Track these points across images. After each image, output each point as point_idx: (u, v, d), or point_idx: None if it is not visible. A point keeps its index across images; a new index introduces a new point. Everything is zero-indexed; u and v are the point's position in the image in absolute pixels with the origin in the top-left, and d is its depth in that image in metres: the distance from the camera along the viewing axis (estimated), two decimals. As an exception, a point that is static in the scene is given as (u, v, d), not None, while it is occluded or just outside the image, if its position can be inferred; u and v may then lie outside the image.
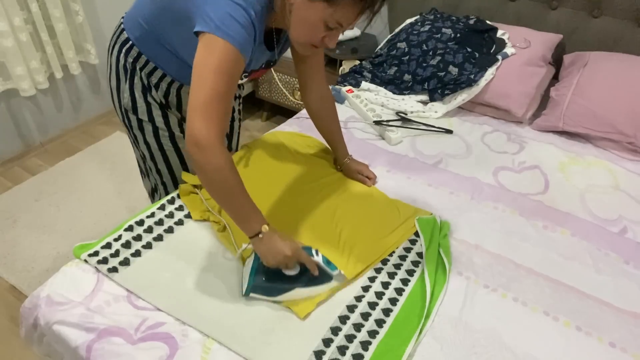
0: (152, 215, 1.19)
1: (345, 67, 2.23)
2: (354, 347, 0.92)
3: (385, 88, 1.88)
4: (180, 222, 1.19)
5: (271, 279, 1.00)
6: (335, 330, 0.95)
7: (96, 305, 0.97)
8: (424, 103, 1.82)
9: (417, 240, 1.19)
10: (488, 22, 1.92)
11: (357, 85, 1.90)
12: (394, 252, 1.15)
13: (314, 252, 1.01)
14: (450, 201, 1.34)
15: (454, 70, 1.76)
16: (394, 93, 1.87)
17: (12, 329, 1.61)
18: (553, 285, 1.09)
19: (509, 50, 1.80)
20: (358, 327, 0.96)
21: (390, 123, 1.64)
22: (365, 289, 1.05)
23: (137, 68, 1.17)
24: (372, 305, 1.01)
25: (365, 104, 1.74)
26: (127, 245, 1.10)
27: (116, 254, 1.08)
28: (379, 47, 2.08)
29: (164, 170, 1.31)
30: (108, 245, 1.10)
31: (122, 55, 1.17)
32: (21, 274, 1.79)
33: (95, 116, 2.75)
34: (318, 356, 0.90)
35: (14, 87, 2.23)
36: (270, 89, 2.60)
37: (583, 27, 1.87)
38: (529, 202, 1.35)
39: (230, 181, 0.92)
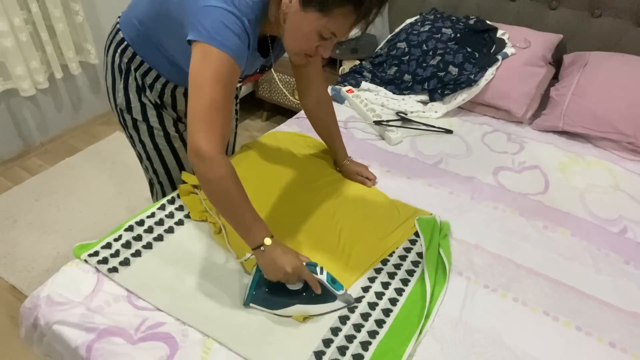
0: (152, 215, 1.19)
1: (345, 67, 2.24)
2: (354, 348, 0.92)
3: (385, 88, 1.88)
4: (180, 222, 1.19)
5: (273, 291, 0.97)
6: (335, 331, 0.95)
7: (96, 305, 0.97)
8: (424, 103, 1.82)
9: (417, 241, 1.19)
10: (488, 22, 1.92)
11: (357, 85, 1.90)
12: (394, 252, 1.15)
13: (318, 269, 0.96)
14: (450, 201, 1.34)
15: (454, 70, 1.76)
16: (394, 93, 1.87)
17: (12, 329, 1.61)
18: (553, 285, 1.09)
19: (509, 50, 1.80)
20: (358, 327, 0.96)
21: (390, 123, 1.64)
22: (365, 289, 1.05)
23: (132, 68, 1.17)
24: (372, 306, 1.01)
25: (365, 104, 1.74)
26: (127, 245, 1.10)
27: (116, 254, 1.08)
28: (379, 47, 2.08)
29: (159, 170, 1.32)
30: (108, 245, 1.10)
31: (117, 55, 1.17)
32: (21, 274, 1.79)
33: (95, 116, 2.75)
34: (318, 356, 0.90)
35: (14, 87, 2.23)
36: (270, 89, 2.60)
37: (583, 27, 1.87)
38: (529, 202, 1.35)
39: (232, 192, 0.92)
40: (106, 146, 2.53)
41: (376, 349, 0.92)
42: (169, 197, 1.25)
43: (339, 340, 0.93)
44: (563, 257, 1.17)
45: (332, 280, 0.97)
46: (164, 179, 1.34)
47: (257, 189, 1.28)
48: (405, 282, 1.07)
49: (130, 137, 1.29)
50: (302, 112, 1.68)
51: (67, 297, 0.98)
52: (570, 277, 1.11)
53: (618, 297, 1.07)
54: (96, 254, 1.07)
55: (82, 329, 0.93)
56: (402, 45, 1.90)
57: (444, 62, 1.78)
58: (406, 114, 1.72)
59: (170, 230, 1.16)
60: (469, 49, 1.80)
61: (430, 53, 1.83)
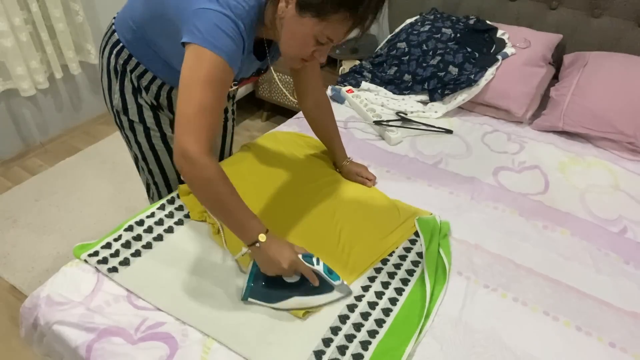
0: (152, 215, 1.19)
1: (345, 67, 2.24)
2: (353, 347, 0.92)
3: (385, 88, 1.88)
4: (180, 222, 1.19)
5: (270, 285, 0.98)
6: (335, 330, 0.95)
7: (96, 305, 0.97)
8: (424, 103, 1.82)
9: (417, 240, 1.19)
10: (488, 22, 1.92)
11: (357, 85, 1.90)
12: (393, 252, 1.15)
13: (314, 260, 0.96)
14: (450, 201, 1.34)
15: (454, 70, 1.76)
16: (394, 93, 1.87)
17: (12, 329, 1.61)
18: (553, 285, 1.09)
19: (509, 50, 1.80)
20: (358, 326, 0.96)
21: (390, 123, 1.64)
22: (365, 288, 1.05)
23: (128, 70, 1.16)
24: (372, 305, 1.01)
25: (365, 104, 1.74)
26: (127, 245, 1.10)
27: (116, 254, 1.08)
28: (379, 47, 2.08)
29: (155, 170, 1.31)
30: (108, 245, 1.10)
31: (112, 56, 1.17)
32: (21, 274, 1.79)
33: (95, 116, 2.75)
34: (318, 356, 0.90)
35: (14, 87, 2.23)
36: (270, 89, 2.60)
37: (583, 27, 1.87)
38: (529, 202, 1.35)
39: (222, 192, 0.91)
40: (106, 146, 2.53)
41: (376, 348, 0.92)
42: (168, 197, 1.25)
43: (339, 339, 0.93)
44: (563, 257, 1.17)
45: (329, 271, 0.96)
46: (159, 179, 1.33)
47: (257, 189, 1.28)
48: (405, 281, 1.07)
49: (127, 138, 1.28)
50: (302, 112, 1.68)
51: (67, 297, 0.98)
52: (570, 277, 1.11)
53: (618, 297, 1.07)
54: (96, 254, 1.07)
55: (82, 329, 0.93)
56: (402, 45, 1.90)
57: (444, 62, 1.78)
58: (406, 114, 1.72)
59: (170, 230, 1.16)
60: (469, 49, 1.80)
61: (430, 53, 1.83)
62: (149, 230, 1.15)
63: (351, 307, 1.00)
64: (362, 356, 0.91)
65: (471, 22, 1.92)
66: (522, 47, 1.81)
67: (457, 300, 1.04)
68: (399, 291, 1.05)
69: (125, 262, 1.06)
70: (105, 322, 0.93)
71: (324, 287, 0.98)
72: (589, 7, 1.85)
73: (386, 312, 1.00)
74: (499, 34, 1.87)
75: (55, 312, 0.96)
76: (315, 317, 0.98)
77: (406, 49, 1.88)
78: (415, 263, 1.12)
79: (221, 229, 1.15)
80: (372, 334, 0.95)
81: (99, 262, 1.05)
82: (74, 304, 0.97)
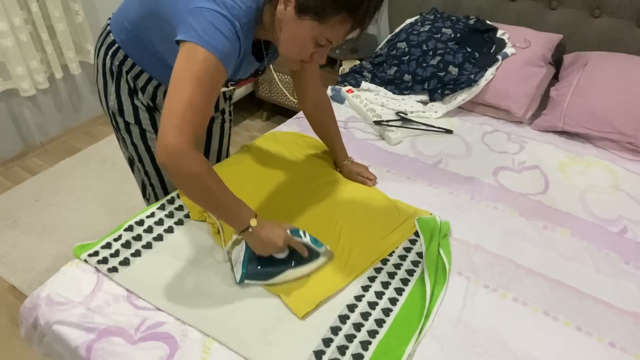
0: (152, 215, 1.19)
1: (345, 67, 2.24)
2: (353, 347, 0.92)
3: (385, 88, 1.88)
4: (180, 222, 1.19)
5: (263, 264, 1.02)
6: (335, 330, 0.95)
7: (96, 305, 0.97)
8: (424, 103, 1.82)
9: (417, 240, 1.19)
10: (488, 22, 1.92)
11: (357, 85, 1.90)
12: (393, 252, 1.15)
13: (301, 233, 1.02)
14: (450, 201, 1.34)
15: (454, 70, 1.76)
16: (394, 93, 1.87)
17: (12, 329, 1.61)
18: (553, 285, 1.09)
19: (509, 50, 1.80)
20: (358, 326, 0.96)
21: (390, 123, 1.64)
22: (365, 288, 1.05)
23: (124, 71, 1.16)
24: (372, 305, 1.01)
25: (365, 104, 1.74)
26: (127, 245, 1.10)
27: (116, 254, 1.08)
28: (379, 47, 2.08)
29: (151, 172, 1.31)
30: (108, 245, 1.10)
31: (108, 57, 1.16)
32: (21, 274, 1.79)
33: (95, 116, 2.75)
34: (318, 356, 0.90)
35: (14, 87, 2.23)
36: (270, 89, 2.60)
37: (583, 27, 1.88)
38: (529, 202, 1.35)
39: (210, 185, 0.91)
40: (106, 146, 2.53)
41: (376, 348, 0.92)
42: (168, 197, 1.25)
43: (339, 339, 0.93)
44: (563, 257, 1.17)
45: (315, 240, 1.03)
46: (155, 181, 1.33)
47: (257, 189, 1.28)
48: (405, 282, 1.07)
49: (123, 140, 1.27)
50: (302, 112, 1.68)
51: (67, 297, 0.98)
52: (570, 277, 1.11)
53: (618, 297, 1.07)
54: (96, 253, 1.07)
55: (82, 329, 0.93)
56: (402, 45, 1.90)
57: (444, 62, 1.78)
58: (406, 114, 1.72)
59: (170, 230, 1.16)
60: (469, 49, 1.80)
61: (430, 53, 1.83)
62: (149, 230, 1.15)
63: (351, 307, 1.00)
64: (362, 356, 0.91)
65: (471, 22, 1.92)
66: (522, 47, 1.81)
67: (457, 300, 1.04)
68: (399, 291, 1.05)
69: (125, 262, 1.06)
70: (105, 322, 0.93)
71: (312, 256, 1.05)
72: (589, 7, 1.85)
73: (386, 312, 1.00)
74: (499, 34, 1.87)
75: (55, 312, 0.96)
76: (315, 317, 0.98)
77: (406, 49, 1.88)
78: (415, 263, 1.12)
79: (221, 228, 1.15)
80: (372, 334, 0.95)
81: (99, 262, 1.05)
82: (74, 304, 0.97)
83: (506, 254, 1.17)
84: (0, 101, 2.27)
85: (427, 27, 1.91)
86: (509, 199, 1.35)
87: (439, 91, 1.78)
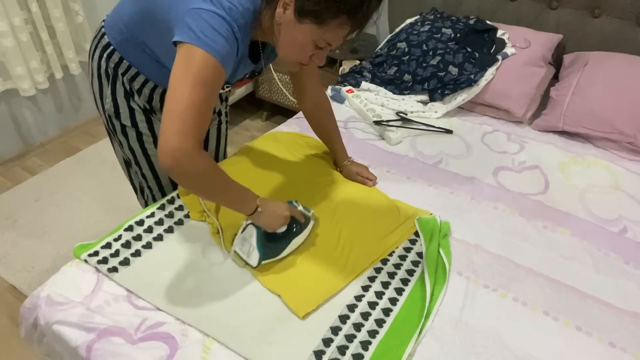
0: (152, 215, 1.19)
1: (345, 67, 2.24)
2: (354, 347, 0.92)
3: (385, 88, 1.88)
4: (180, 222, 1.19)
5: (272, 242, 1.07)
6: (335, 330, 0.95)
7: (96, 305, 0.97)
8: (424, 103, 1.82)
9: (417, 240, 1.19)
10: (488, 22, 1.92)
11: (357, 85, 1.90)
12: (394, 252, 1.15)
13: (294, 202, 1.11)
14: (450, 201, 1.34)
15: (454, 70, 1.76)
16: (394, 93, 1.87)
17: (12, 329, 1.61)
18: (553, 285, 1.09)
19: (509, 50, 1.80)
20: (358, 326, 0.96)
21: (390, 123, 1.64)
22: (365, 288, 1.05)
23: (119, 73, 1.14)
24: (372, 305, 1.01)
25: (365, 104, 1.74)
26: (127, 245, 1.10)
27: (116, 254, 1.08)
28: (379, 47, 2.08)
29: (149, 175, 1.30)
30: (108, 245, 1.10)
31: (103, 60, 1.14)
32: (21, 274, 1.79)
33: (95, 116, 2.75)
34: (318, 356, 0.90)
35: (14, 87, 2.23)
36: (270, 89, 2.60)
37: (583, 27, 1.87)
38: (529, 202, 1.35)
39: (217, 180, 0.93)
40: (106, 146, 2.52)
41: (376, 348, 0.92)
42: (168, 197, 1.25)
43: (339, 339, 0.93)
44: (563, 257, 1.17)
45: (304, 207, 1.13)
46: (153, 184, 1.32)
47: (257, 189, 1.27)
48: (405, 282, 1.07)
49: (119, 143, 1.26)
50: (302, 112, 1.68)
51: (67, 297, 0.98)
52: (570, 277, 1.11)
53: (618, 297, 1.07)
54: (96, 253, 1.07)
55: (82, 329, 0.93)
56: (402, 45, 1.90)
57: (444, 62, 1.78)
58: (406, 114, 1.72)
59: (170, 230, 1.16)
60: (469, 49, 1.80)
61: (430, 53, 1.83)
62: (149, 230, 1.15)
63: (351, 307, 1.00)
64: (362, 356, 0.91)
65: (471, 22, 1.92)
66: (522, 47, 1.81)
67: (457, 300, 1.04)
68: (399, 291, 1.05)
69: (125, 262, 1.06)
70: (105, 322, 0.93)
71: (306, 221, 1.13)
72: (589, 7, 1.85)
73: (386, 312, 1.00)
74: (499, 34, 1.87)
75: (55, 312, 0.96)
76: (315, 317, 0.98)
77: (406, 49, 1.88)
78: (415, 263, 1.12)
79: (220, 229, 1.15)
80: (372, 334, 0.95)
81: (99, 262, 1.05)
82: (74, 304, 0.97)
83: (506, 254, 1.17)
84: (0, 101, 2.27)
85: (427, 27, 1.91)
86: (509, 199, 1.35)
87: (439, 91, 1.78)
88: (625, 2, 1.77)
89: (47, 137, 2.55)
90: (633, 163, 1.55)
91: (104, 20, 1.17)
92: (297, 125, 1.63)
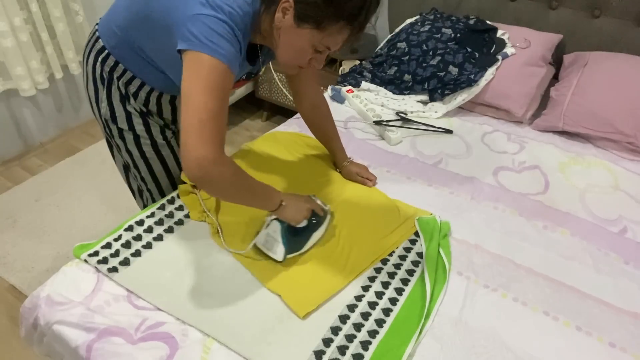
0: (152, 215, 1.19)
1: (345, 67, 2.24)
2: (354, 347, 0.92)
3: (385, 88, 1.88)
4: (180, 222, 1.19)
5: (295, 236, 1.09)
6: (335, 330, 0.95)
7: (96, 305, 0.97)
8: (424, 103, 1.82)
9: (417, 240, 1.19)
10: (488, 22, 1.92)
11: (357, 85, 1.90)
12: (394, 252, 1.15)
13: (312, 197, 1.15)
14: (450, 201, 1.34)
15: (454, 70, 1.76)
16: (394, 93, 1.87)
17: (12, 329, 1.61)
18: (553, 285, 1.09)
19: (509, 50, 1.80)
20: (358, 327, 0.96)
21: (390, 123, 1.64)
22: (365, 288, 1.05)
23: (115, 77, 1.13)
24: (372, 305, 1.01)
25: (365, 104, 1.74)
26: (127, 245, 1.10)
27: (116, 253, 1.08)
28: (379, 47, 2.08)
29: (147, 178, 1.29)
30: (108, 245, 1.10)
31: (98, 64, 1.13)
32: (21, 274, 1.79)
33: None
34: (318, 356, 0.90)
35: (14, 87, 2.23)
36: (270, 89, 2.60)
37: (583, 27, 1.87)
38: (529, 202, 1.35)
39: (244, 182, 0.95)
40: (106, 146, 2.52)
41: (376, 348, 0.92)
42: (168, 197, 1.25)
43: (339, 339, 0.93)
44: (563, 257, 1.17)
45: (322, 202, 1.17)
46: (152, 187, 1.31)
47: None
48: (405, 282, 1.07)
49: (117, 147, 1.26)
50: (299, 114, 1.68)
51: (67, 297, 0.98)
52: (570, 277, 1.11)
53: (618, 297, 1.07)
54: (96, 253, 1.07)
55: (82, 329, 0.93)
56: (402, 45, 1.90)
57: (444, 62, 1.78)
58: (406, 114, 1.72)
59: (170, 230, 1.16)
60: (469, 49, 1.80)
61: (430, 53, 1.83)
62: (149, 230, 1.15)
63: (351, 307, 1.00)
64: (362, 356, 0.91)
65: (471, 22, 1.92)
66: (522, 47, 1.81)
67: (457, 300, 1.04)
68: (399, 291, 1.05)
69: (126, 262, 1.06)
70: (105, 322, 0.93)
71: (325, 215, 1.16)
72: (589, 7, 1.85)
73: (386, 312, 1.00)
74: (499, 34, 1.87)
75: (55, 312, 0.96)
76: (315, 317, 0.98)
77: (406, 49, 1.88)
78: (415, 263, 1.12)
79: (220, 229, 1.15)
80: (372, 334, 0.95)
81: (99, 262, 1.05)
82: (74, 304, 0.97)
83: (506, 254, 1.17)
84: (0, 101, 2.27)
85: (427, 27, 1.91)
86: (509, 199, 1.35)
87: (439, 91, 1.78)
88: (625, 2, 1.77)
89: (47, 137, 2.55)
90: (633, 163, 1.55)
91: (97, 24, 1.16)
92: (297, 125, 1.63)
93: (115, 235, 1.12)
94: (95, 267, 1.05)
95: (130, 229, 1.15)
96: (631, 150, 1.57)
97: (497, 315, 1.01)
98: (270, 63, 2.40)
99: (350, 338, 0.94)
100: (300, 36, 0.91)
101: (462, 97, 1.74)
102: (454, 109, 1.78)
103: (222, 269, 1.07)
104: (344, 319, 0.98)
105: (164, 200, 1.24)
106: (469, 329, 0.98)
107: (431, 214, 1.26)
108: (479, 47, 1.81)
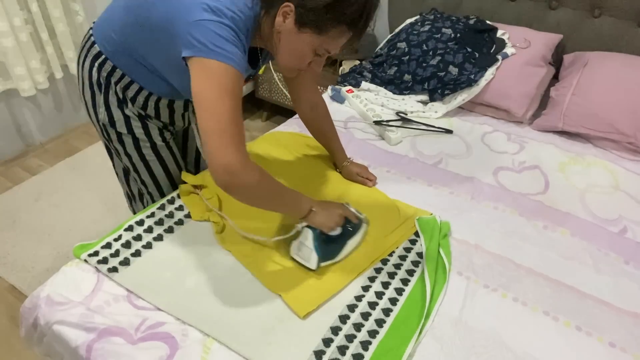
0: (152, 215, 1.19)
1: (345, 67, 2.24)
2: (354, 347, 0.92)
3: (385, 88, 1.88)
4: (180, 222, 1.19)
5: (328, 244, 1.07)
6: (335, 330, 0.95)
7: (96, 305, 0.97)
8: (424, 103, 1.82)
9: (417, 240, 1.19)
10: (488, 22, 1.92)
11: (357, 85, 1.90)
12: (394, 252, 1.15)
13: (345, 205, 1.13)
14: (450, 201, 1.34)
15: (454, 70, 1.76)
16: (394, 93, 1.87)
17: (12, 329, 1.61)
18: (553, 285, 1.09)
19: (509, 50, 1.80)
20: (358, 327, 0.96)
21: (390, 123, 1.64)
22: (365, 288, 1.05)
23: (112, 82, 1.12)
24: (372, 305, 1.01)
25: (365, 104, 1.74)
26: (127, 245, 1.10)
27: (116, 253, 1.08)
28: (379, 47, 2.08)
29: (148, 181, 1.29)
30: (108, 245, 1.10)
31: (94, 69, 1.11)
32: (21, 274, 1.79)
33: (95, 116, 2.75)
34: (318, 356, 0.90)
35: (14, 87, 2.23)
36: (270, 89, 2.60)
37: (583, 27, 1.87)
38: (529, 202, 1.35)
39: (273, 186, 0.95)
40: (106, 146, 2.53)
41: (376, 348, 0.92)
42: (168, 197, 1.25)
43: (339, 339, 0.93)
44: (563, 257, 1.17)
45: (356, 210, 1.14)
46: (153, 189, 1.31)
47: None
48: (405, 282, 1.07)
49: (116, 151, 1.25)
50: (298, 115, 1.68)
51: (67, 297, 0.98)
52: (570, 277, 1.11)
53: (618, 297, 1.07)
54: (96, 253, 1.07)
55: (82, 329, 0.93)
56: (402, 45, 1.90)
57: (444, 62, 1.78)
58: (406, 114, 1.72)
59: (170, 230, 1.16)
60: (469, 49, 1.80)
61: (430, 53, 1.83)
62: (149, 230, 1.15)
63: (351, 307, 1.00)
64: (362, 356, 0.91)
65: (471, 22, 1.92)
66: (522, 47, 1.81)
67: (457, 300, 1.04)
68: (399, 291, 1.05)
69: (126, 262, 1.06)
70: (105, 322, 0.93)
71: (360, 224, 1.13)
72: (589, 7, 1.85)
73: (386, 312, 1.00)
74: (499, 34, 1.87)
75: (55, 312, 0.96)
76: (315, 317, 0.98)
77: (406, 49, 1.88)
78: (415, 263, 1.12)
79: (234, 225, 1.14)
80: (373, 334, 0.95)
81: (99, 262, 1.05)
82: (74, 303, 0.97)
83: (506, 254, 1.17)
84: (0, 101, 2.27)
85: (427, 27, 1.91)
86: (509, 199, 1.35)
87: (439, 91, 1.78)
88: (625, 2, 1.77)
89: (47, 137, 2.55)
90: (633, 163, 1.55)
91: (91, 28, 1.14)
92: (297, 125, 1.63)
93: (115, 235, 1.12)
94: (95, 267, 1.05)
95: (130, 229, 1.15)
96: (631, 150, 1.57)
97: (497, 315, 1.01)
98: (270, 63, 2.40)
99: (350, 338, 0.94)
100: (300, 40, 0.92)
101: (462, 97, 1.74)
102: (454, 109, 1.78)
103: (222, 269, 1.07)
104: (344, 319, 0.98)
105: (164, 200, 1.24)
106: (469, 329, 0.98)
107: (431, 214, 1.26)
108: (479, 47, 1.81)
